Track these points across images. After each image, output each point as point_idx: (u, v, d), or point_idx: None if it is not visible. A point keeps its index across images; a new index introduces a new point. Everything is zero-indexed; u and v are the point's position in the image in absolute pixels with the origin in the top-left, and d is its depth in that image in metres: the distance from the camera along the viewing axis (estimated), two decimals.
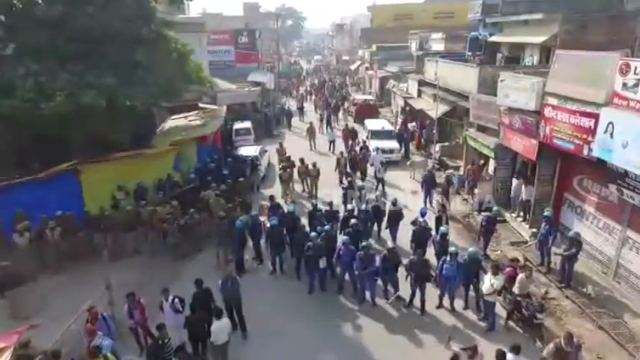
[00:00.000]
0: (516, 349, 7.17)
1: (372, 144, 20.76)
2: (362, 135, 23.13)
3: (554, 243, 11.22)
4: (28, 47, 14.08)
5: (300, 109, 32.22)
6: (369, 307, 10.34)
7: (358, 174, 17.98)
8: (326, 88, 41.75)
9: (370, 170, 18.23)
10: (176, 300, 8.32)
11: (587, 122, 10.00)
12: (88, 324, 7.81)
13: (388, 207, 13.28)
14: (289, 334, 9.59)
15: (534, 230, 12.67)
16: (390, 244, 10.59)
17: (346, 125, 24.63)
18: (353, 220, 11.61)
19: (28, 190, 12.68)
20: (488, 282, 9.23)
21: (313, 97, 38.61)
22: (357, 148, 20.17)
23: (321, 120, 27.87)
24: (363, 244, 10.30)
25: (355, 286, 10.64)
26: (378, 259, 10.33)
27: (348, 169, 17.68)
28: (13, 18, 14.06)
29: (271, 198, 13.83)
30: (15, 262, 10.81)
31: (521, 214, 14.02)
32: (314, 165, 17.07)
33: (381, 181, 16.96)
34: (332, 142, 23.10)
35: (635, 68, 8.74)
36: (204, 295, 8.70)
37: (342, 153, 18.69)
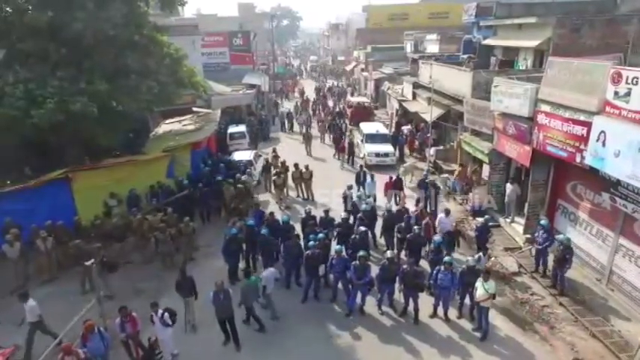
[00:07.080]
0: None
1: (367, 148, 20.72)
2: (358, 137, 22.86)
3: (550, 248, 11.18)
4: (17, 53, 13.93)
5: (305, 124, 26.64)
6: (362, 316, 10.27)
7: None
8: (325, 110, 31.91)
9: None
10: (166, 314, 8.24)
11: (580, 130, 9.98)
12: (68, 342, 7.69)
13: (383, 213, 13.12)
14: (282, 344, 9.53)
15: (528, 236, 12.66)
16: (389, 253, 10.30)
17: (390, 178, 16.02)
18: (346, 229, 11.52)
19: (18, 199, 12.55)
20: (482, 288, 9.20)
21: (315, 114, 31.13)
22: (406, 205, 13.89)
23: (336, 152, 21.94)
24: (360, 253, 10.07)
25: (348, 296, 10.55)
26: (375, 269, 10.23)
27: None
28: (2, 24, 13.88)
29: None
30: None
31: (516, 219, 14.01)
32: (306, 167, 16.98)
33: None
34: (371, 196, 15.14)
35: (627, 77, 8.70)
36: None
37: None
